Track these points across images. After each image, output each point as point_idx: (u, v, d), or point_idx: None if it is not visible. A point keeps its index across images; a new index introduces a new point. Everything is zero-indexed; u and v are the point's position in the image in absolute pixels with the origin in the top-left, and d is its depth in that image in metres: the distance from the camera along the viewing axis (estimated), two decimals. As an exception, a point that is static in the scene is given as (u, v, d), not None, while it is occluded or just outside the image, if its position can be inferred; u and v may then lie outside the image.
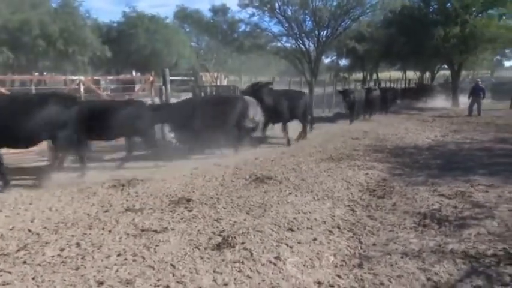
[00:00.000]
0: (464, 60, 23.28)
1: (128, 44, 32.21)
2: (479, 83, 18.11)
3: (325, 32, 25.49)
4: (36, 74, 26.09)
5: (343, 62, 47.08)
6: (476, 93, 16.88)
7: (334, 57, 46.13)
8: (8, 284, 3.10)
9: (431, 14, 23.58)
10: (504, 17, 21.94)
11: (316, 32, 25.40)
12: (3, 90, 7.67)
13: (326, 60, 45.63)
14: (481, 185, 5.83)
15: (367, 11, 25.03)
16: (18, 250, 3.71)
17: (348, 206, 5.02)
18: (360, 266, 3.39)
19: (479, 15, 22.03)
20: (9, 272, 3.28)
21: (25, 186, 5.88)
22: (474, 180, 6.10)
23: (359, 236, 4.05)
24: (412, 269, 3.32)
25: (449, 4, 21.97)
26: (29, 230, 4.19)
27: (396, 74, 41.23)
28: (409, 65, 35.53)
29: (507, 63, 65.48)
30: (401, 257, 3.52)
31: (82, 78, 9.09)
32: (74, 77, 9.56)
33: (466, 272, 3.26)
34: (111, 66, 34.08)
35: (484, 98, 17.26)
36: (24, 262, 3.46)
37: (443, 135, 11.03)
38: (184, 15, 41.74)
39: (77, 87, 8.70)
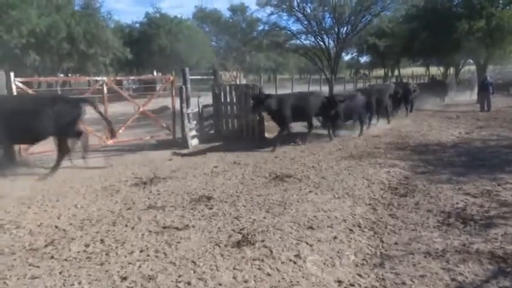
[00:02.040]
0: (491, 54, 22.52)
1: (149, 45, 32.77)
2: (488, 78, 17.66)
3: (345, 28, 25.31)
4: (61, 75, 26.88)
5: (364, 58, 46.43)
6: (484, 88, 16.46)
7: (354, 54, 45.58)
8: (36, 277, 3.23)
9: (455, 7, 22.92)
10: (532, 8, 21.10)
11: (336, 29, 25.22)
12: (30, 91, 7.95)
13: (346, 57, 45.15)
14: (508, 183, 5.63)
15: (389, 6, 24.59)
16: (46, 245, 3.84)
17: (369, 204, 4.96)
18: (382, 265, 3.35)
19: (506, 7, 21.28)
20: (38, 267, 3.41)
21: (52, 184, 6.08)
22: (501, 178, 5.90)
23: (380, 234, 3.99)
24: (435, 268, 3.25)
25: (473, -3, 21.30)
26: (56, 227, 4.34)
27: (419, 70, 40.27)
28: (431, 60, 34.66)
29: (536, 57, 62.89)
30: (424, 257, 3.45)
31: (105, 79, 9.31)
32: (97, 78, 9.79)
33: (492, 273, 3.17)
34: (133, 67, 34.75)
35: (493, 93, 16.80)
36: (52, 257, 3.59)
37: (468, 132, 10.72)
38: (203, 15, 42.11)
39: (100, 88, 8.92)
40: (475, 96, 19.24)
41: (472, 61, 27.05)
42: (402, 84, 16.03)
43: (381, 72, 44.44)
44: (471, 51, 22.22)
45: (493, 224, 4.14)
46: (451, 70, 36.87)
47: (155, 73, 30.87)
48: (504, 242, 3.71)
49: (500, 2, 20.94)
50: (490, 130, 10.93)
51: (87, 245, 3.83)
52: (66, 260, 3.53)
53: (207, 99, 10.76)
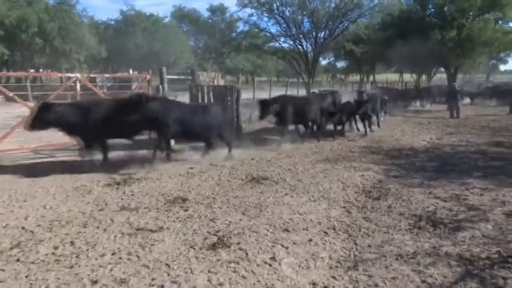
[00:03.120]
0: (461, 63, 23.43)
1: (125, 43, 32.14)
2: (456, 86, 18.49)
3: (322, 33, 25.62)
4: (32, 70, 25.92)
5: (341, 63, 47.26)
6: (453, 96, 17.22)
7: (331, 59, 46.32)
8: (1, 281, 3.08)
9: (428, 17, 23.73)
10: (500, 22, 22.13)
11: (314, 33, 25.51)
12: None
13: (323, 62, 45.80)
14: (476, 187, 5.86)
15: (365, 13, 25.17)
16: (11, 248, 3.68)
17: (344, 207, 5.03)
18: (355, 267, 3.40)
19: (476, 19, 22.20)
20: (2, 270, 3.26)
21: (20, 183, 5.84)
22: (469, 183, 6.13)
23: (354, 237, 4.05)
24: (406, 271, 3.33)
25: (446, 8, 22.13)
26: (23, 228, 4.17)
27: (393, 76, 41.40)
28: (405, 67, 35.72)
29: (503, 67, 66.05)
30: (396, 259, 3.53)
31: (78, 75, 9.05)
32: (70, 75, 9.50)
33: (460, 275, 3.27)
34: (107, 64, 33.99)
35: (460, 100, 17.62)
36: (18, 260, 3.44)
37: (439, 138, 11.09)
38: (181, 15, 41.69)
39: (73, 84, 8.65)
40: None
41: (443, 69, 28.03)
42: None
43: (356, 77, 45.41)
44: (443, 60, 23.06)
45: (461, 228, 4.28)
46: (423, 77, 38.10)
47: (131, 71, 30.30)
48: (471, 244, 3.85)
49: (471, 13, 21.83)
50: (460, 136, 11.35)
51: (56, 247, 3.69)
52: (33, 263, 3.39)
53: (184, 99, 10.64)
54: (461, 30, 20.93)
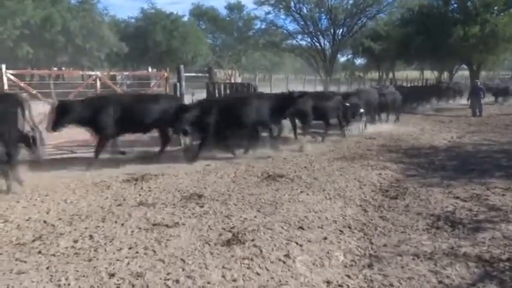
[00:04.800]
0: (484, 60, 22.76)
1: (145, 40, 32.60)
2: (478, 83, 17.90)
3: (340, 30, 25.37)
4: (55, 69, 26.62)
5: (359, 60, 46.61)
6: (475, 93, 16.67)
7: (349, 56, 45.72)
8: (23, 273, 3.19)
9: (450, 12, 23.15)
10: (527, 17, 21.35)
11: (332, 30, 25.27)
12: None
13: (341, 59, 45.26)
14: (498, 187, 5.69)
15: (384, 9, 24.73)
16: (33, 240, 3.80)
17: (360, 206, 4.98)
18: (370, 266, 3.36)
19: (501, 14, 21.52)
20: (25, 262, 3.37)
21: (42, 178, 6.01)
22: (490, 182, 5.97)
23: (370, 236, 4.01)
24: (423, 271, 3.28)
25: (469, 3, 21.52)
26: (45, 221, 4.30)
27: (413, 73, 40.54)
28: (426, 64, 34.94)
29: (529, 64, 63.70)
30: (413, 259, 3.48)
31: (98, 73, 9.24)
32: (91, 73, 9.73)
33: (479, 276, 3.20)
34: (128, 62, 34.55)
35: (483, 98, 17.03)
36: (39, 252, 3.55)
37: (460, 137, 10.82)
38: (200, 13, 41.95)
39: (93, 82, 8.85)
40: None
41: (465, 66, 27.32)
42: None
43: (375, 74, 44.68)
44: (465, 56, 22.45)
45: (481, 228, 4.18)
46: (445, 74, 37.20)
47: (150, 69, 30.71)
48: (491, 246, 3.75)
49: (495, 8, 21.18)
50: (482, 135, 11.05)
51: (75, 241, 3.79)
52: (53, 255, 3.49)
53: (201, 96, 10.72)
54: (485, 25, 20.32)
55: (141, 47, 32.73)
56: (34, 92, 8.09)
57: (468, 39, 20.34)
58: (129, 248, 3.64)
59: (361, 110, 10.87)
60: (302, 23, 25.32)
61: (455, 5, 23.13)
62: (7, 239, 3.84)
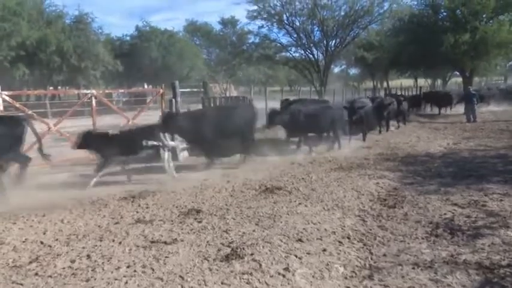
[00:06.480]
0: (476, 66, 23.04)
1: (140, 58, 32.80)
2: (470, 89, 18.15)
3: (333, 41, 25.62)
4: (51, 88, 26.70)
5: (353, 71, 47.04)
6: (469, 100, 16.84)
7: (343, 66, 46.14)
8: (19, 296, 3.15)
9: (440, 21, 23.51)
10: (515, 23, 21.70)
11: (325, 42, 25.52)
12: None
13: (336, 70, 45.65)
14: (495, 193, 5.70)
15: (376, 19, 25.09)
16: (30, 262, 3.76)
17: (358, 216, 4.97)
18: (370, 277, 3.34)
19: (490, 21, 21.89)
20: (21, 284, 3.33)
21: (39, 198, 5.97)
22: (488, 188, 5.98)
23: (369, 246, 3.99)
24: (423, 280, 3.26)
25: (458, 11, 21.89)
26: (41, 242, 4.25)
27: (407, 81, 40.89)
28: (419, 72, 35.30)
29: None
30: (413, 268, 3.46)
31: (94, 92, 9.28)
32: (86, 91, 9.76)
33: (479, 283, 3.18)
34: (123, 80, 34.68)
35: (477, 104, 17.22)
36: (36, 274, 3.51)
37: (456, 143, 10.87)
38: (194, 29, 42.35)
39: (89, 100, 8.88)
40: None
41: (458, 73, 27.62)
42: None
43: (370, 84, 45.05)
44: (457, 63, 22.71)
45: (480, 235, 4.18)
46: (438, 82, 37.56)
47: (145, 86, 30.85)
48: (491, 252, 3.74)
49: (484, 16, 21.55)
50: (477, 141, 11.11)
51: (72, 261, 3.75)
52: (50, 276, 3.45)
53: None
54: (475, 32, 20.63)
55: (137, 64, 32.91)
56: (30, 112, 8.11)
57: (459, 46, 20.62)
58: (127, 267, 3.61)
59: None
60: (295, 35, 25.60)
61: (444, 14, 23.49)
62: (3, 261, 3.79)
